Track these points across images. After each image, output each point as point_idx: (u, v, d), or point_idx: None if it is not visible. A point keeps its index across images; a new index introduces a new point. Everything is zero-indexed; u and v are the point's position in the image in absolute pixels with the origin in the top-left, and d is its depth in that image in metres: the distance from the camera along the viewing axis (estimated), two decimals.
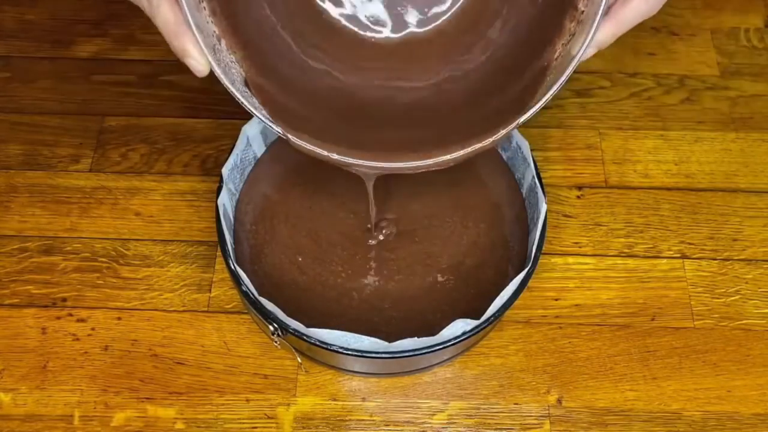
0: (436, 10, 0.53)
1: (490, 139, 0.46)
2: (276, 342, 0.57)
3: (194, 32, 0.43)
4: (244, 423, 0.58)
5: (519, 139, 0.62)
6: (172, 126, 0.73)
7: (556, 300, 0.64)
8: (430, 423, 0.59)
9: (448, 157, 0.47)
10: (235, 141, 0.61)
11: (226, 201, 0.59)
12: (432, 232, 0.63)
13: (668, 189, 0.70)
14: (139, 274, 0.65)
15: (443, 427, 0.59)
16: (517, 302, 0.55)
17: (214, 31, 0.47)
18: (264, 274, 0.61)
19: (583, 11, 0.46)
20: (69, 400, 0.59)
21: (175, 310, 0.63)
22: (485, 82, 0.52)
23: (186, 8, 0.42)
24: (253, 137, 0.63)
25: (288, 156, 0.66)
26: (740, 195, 0.69)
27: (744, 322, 0.63)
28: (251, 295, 0.55)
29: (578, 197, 0.69)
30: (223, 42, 0.48)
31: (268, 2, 0.51)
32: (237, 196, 0.64)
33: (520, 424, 0.59)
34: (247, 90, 0.48)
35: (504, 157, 0.66)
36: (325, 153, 0.48)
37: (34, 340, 0.62)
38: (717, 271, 0.65)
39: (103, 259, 0.65)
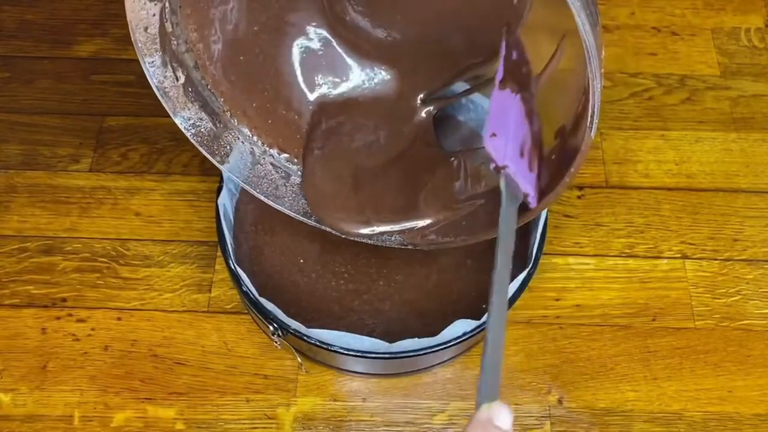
0: None
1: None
2: (276, 342, 0.57)
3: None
4: (244, 423, 0.58)
5: None
6: (172, 126, 0.72)
7: (557, 300, 0.64)
8: (430, 423, 0.59)
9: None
10: None
11: (226, 201, 0.59)
12: None
13: (669, 189, 0.70)
14: (139, 274, 0.65)
15: (443, 428, 0.58)
16: (517, 302, 0.55)
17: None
18: (264, 274, 0.61)
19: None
20: (69, 401, 0.59)
21: (175, 311, 0.63)
22: None
23: None
24: None
25: None
26: (741, 195, 0.69)
27: (745, 322, 0.63)
28: (251, 296, 0.55)
29: (579, 197, 0.69)
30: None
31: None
32: (237, 196, 0.64)
33: (521, 424, 0.58)
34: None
35: None
36: None
37: (34, 340, 0.62)
38: (718, 272, 0.65)
39: (103, 259, 0.65)
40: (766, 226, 0.68)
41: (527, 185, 0.43)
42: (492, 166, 0.42)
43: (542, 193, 0.46)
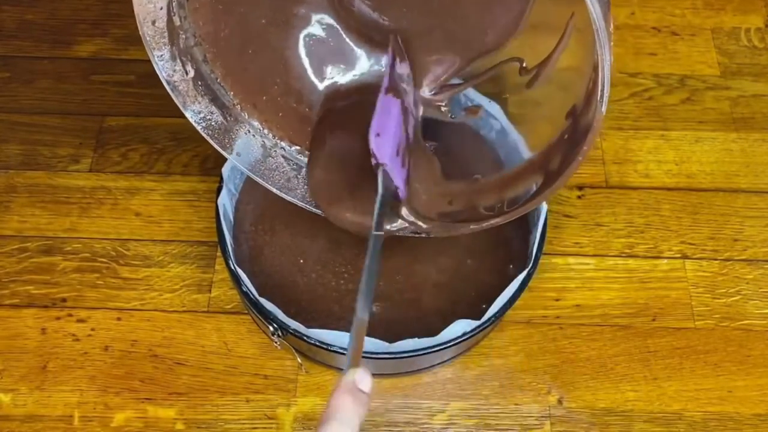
0: None
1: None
2: (276, 342, 0.57)
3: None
4: (244, 423, 0.58)
5: (518, 138, 0.62)
6: (172, 126, 0.72)
7: (557, 300, 0.64)
8: (430, 424, 0.59)
9: None
10: None
11: (226, 201, 0.59)
12: None
13: (669, 189, 0.70)
14: (139, 274, 0.65)
15: (443, 428, 0.58)
16: (517, 302, 0.55)
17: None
18: (264, 274, 0.61)
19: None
20: (69, 401, 0.59)
21: (175, 311, 0.63)
22: None
23: None
24: None
25: None
26: (741, 195, 0.69)
27: (745, 322, 0.63)
28: (251, 296, 0.55)
29: (579, 197, 0.69)
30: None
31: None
32: (237, 196, 0.64)
33: (521, 424, 0.58)
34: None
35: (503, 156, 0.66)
36: None
37: (34, 340, 0.62)
38: (718, 272, 0.65)
39: (103, 260, 0.65)
40: (766, 226, 0.68)
41: (399, 180, 0.48)
42: (373, 162, 0.47)
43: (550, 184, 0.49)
